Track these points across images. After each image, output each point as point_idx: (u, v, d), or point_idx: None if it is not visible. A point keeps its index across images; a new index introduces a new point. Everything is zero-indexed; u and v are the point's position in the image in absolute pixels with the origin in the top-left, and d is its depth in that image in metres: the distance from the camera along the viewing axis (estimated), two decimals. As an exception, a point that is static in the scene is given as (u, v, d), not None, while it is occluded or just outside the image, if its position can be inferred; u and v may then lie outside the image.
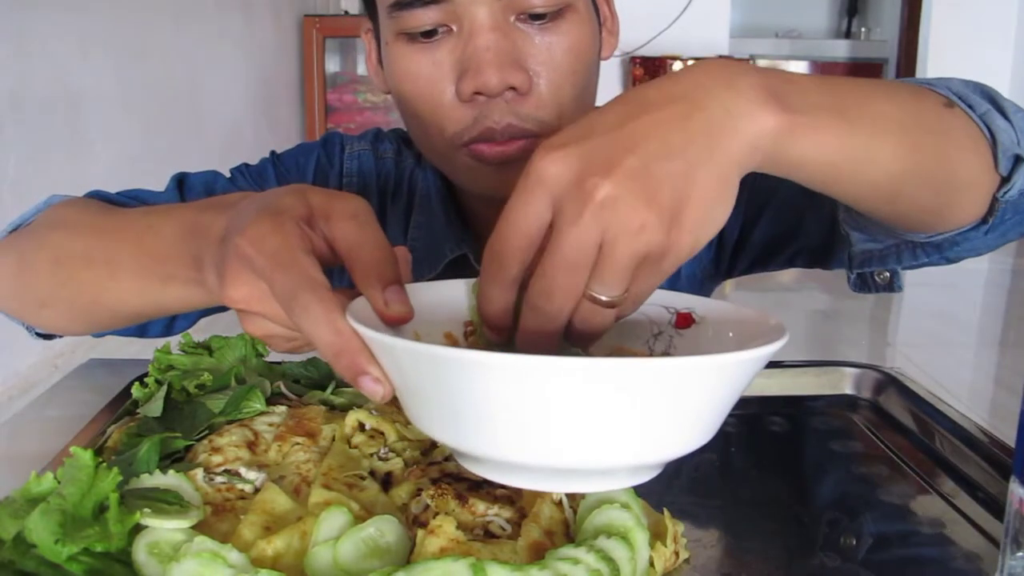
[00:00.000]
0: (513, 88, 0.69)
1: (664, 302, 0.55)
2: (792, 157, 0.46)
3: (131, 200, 0.78)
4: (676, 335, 0.55)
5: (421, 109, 0.73)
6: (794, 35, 5.73)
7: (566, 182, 0.41)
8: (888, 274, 0.70)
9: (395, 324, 0.45)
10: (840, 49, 5.67)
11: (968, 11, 4.37)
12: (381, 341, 0.40)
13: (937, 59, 4.43)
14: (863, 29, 5.80)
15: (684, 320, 0.56)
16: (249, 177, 0.85)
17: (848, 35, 5.86)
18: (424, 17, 0.69)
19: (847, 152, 0.47)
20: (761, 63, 5.46)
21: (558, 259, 0.41)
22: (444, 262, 0.83)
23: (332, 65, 4.54)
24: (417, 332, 0.50)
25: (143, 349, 0.71)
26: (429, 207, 0.86)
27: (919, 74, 4.51)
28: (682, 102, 0.43)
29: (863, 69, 5.51)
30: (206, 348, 0.67)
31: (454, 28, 0.70)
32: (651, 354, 0.55)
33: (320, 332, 0.43)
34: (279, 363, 0.69)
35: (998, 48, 4.36)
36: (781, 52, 5.61)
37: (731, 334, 0.52)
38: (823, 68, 5.58)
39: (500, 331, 0.46)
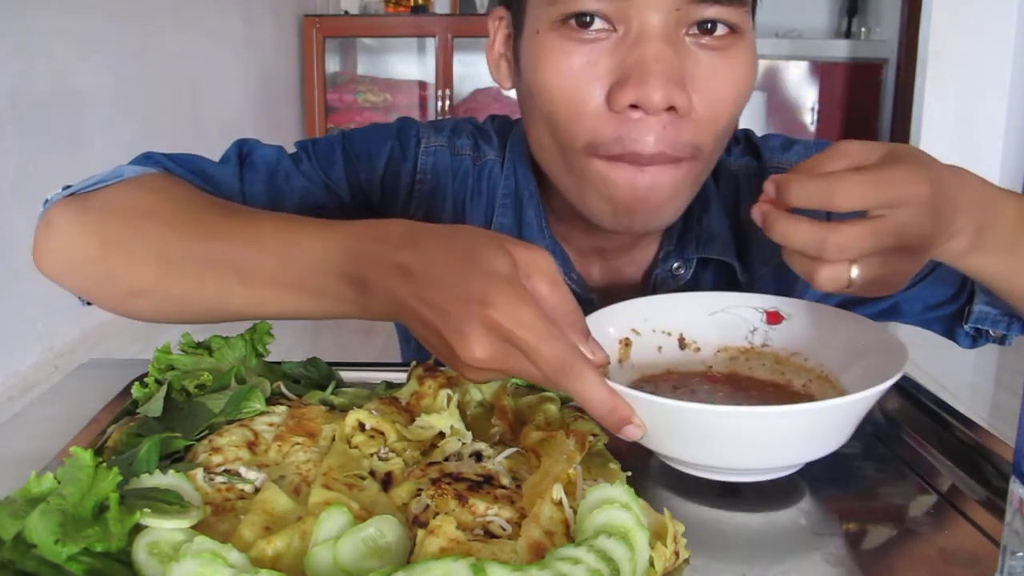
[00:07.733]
0: (672, 108, 0.63)
1: (752, 304, 0.68)
2: (961, 265, 0.63)
3: (192, 175, 0.76)
4: (770, 330, 0.67)
5: (559, 109, 0.67)
6: (794, 35, 5.73)
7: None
8: (1003, 332, 0.79)
9: (600, 367, 0.53)
10: (840, 49, 5.66)
11: (968, 11, 4.36)
12: (646, 400, 0.51)
13: (937, 59, 4.42)
14: (863, 29, 5.79)
15: (774, 317, 0.67)
16: (316, 159, 0.82)
17: (848, 35, 5.85)
18: (591, 5, 0.63)
19: (1001, 271, 0.64)
20: (761, 63, 5.48)
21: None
22: None
23: (332, 65, 4.53)
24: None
25: (143, 349, 0.71)
26: (513, 207, 0.82)
27: (919, 74, 4.50)
28: (940, 198, 0.56)
29: (863, 69, 5.50)
30: (206, 348, 0.67)
31: (619, 29, 0.64)
32: (751, 347, 0.68)
33: (595, 394, 0.50)
34: (279, 363, 0.69)
35: (998, 48, 4.35)
36: (781, 52, 5.60)
37: (823, 331, 0.65)
38: (823, 68, 5.57)
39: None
